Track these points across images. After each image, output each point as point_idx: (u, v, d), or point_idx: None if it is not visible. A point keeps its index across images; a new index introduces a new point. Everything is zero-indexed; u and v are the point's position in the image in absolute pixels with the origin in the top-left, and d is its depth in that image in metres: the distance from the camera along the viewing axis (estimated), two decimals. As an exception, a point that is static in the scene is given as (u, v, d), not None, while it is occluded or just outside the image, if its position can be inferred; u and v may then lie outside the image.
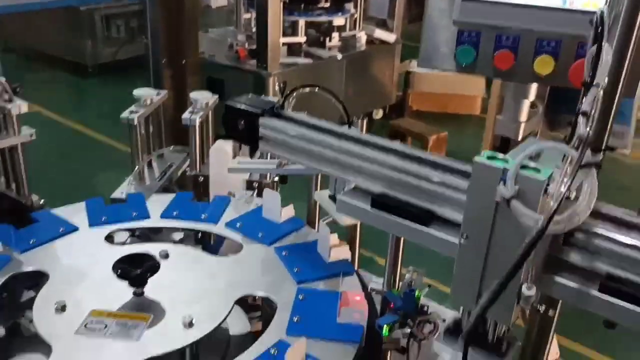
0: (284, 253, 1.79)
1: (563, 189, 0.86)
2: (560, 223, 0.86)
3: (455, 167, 1.09)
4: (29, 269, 1.70)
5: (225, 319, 1.54)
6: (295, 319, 1.52)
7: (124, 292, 1.58)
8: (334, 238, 1.77)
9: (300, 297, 1.61)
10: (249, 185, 2.31)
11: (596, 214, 0.97)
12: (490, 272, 0.94)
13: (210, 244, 2.05)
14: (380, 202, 1.14)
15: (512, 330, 1.33)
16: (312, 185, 2.14)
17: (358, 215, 1.18)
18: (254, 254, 1.80)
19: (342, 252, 1.77)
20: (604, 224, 0.95)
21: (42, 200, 2.02)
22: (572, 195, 0.90)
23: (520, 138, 1.72)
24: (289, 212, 1.96)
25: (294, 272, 1.71)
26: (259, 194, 2.23)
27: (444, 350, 1.47)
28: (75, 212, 1.94)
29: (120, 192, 2.21)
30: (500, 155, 0.90)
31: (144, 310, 1.56)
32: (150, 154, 2.47)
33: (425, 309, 1.53)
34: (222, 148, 2.25)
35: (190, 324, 1.48)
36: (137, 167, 2.28)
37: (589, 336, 3.31)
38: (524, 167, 0.87)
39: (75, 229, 1.86)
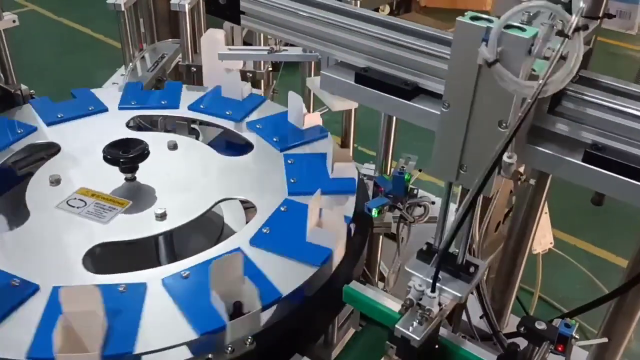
0: (289, 161, 1.70)
1: (550, 52, 0.81)
2: (549, 84, 0.81)
3: (440, 36, 1.04)
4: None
5: (202, 215, 1.50)
6: (292, 181, 1.57)
7: (119, 176, 1.58)
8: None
9: (290, 161, 1.62)
10: (243, 75, 2.25)
11: (585, 81, 0.93)
12: (472, 141, 0.91)
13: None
14: (364, 76, 1.09)
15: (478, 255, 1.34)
16: (306, 73, 2.07)
17: (342, 91, 1.14)
18: (262, 157, 1.71)
19: (314, 119, 1.77)
20: (592, 91, 0.91)
21: (32, 90, 1.98)
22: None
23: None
24: (314, 119, 1.83)
25: (274, 142, 1.72)
26: (254, 85, 2.19)
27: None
28: (26, 114, 1.86)
29: (111, 83, 2.17)
30: (485, 16, 0.85)
31: (133, 197, 1.56)
32: (142, 46, 2.40)
33: (415, 192, 1.53)
34: (214, 36, 2.17)
35: (162, 216, 1.46)
36: (127, 57, 2.23)
37: (584, 231, 3.35)
38: (508, 27, 0.82)
39: (33, 129, 1.78)
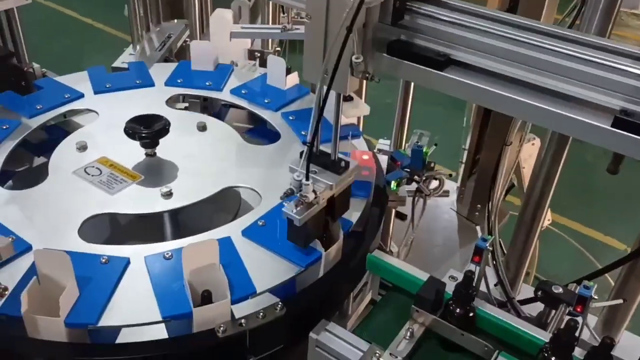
0: (290, 118, 1.80)
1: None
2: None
3: (471, 9, 1.08)
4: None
5: (206, 198, 1.50)
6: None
7: (141, 150, 1.60)
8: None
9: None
10: (251, 54, 2.27)
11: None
12: (330, 48, 1.04)
13: (215, 112, 2.05)
14: (397, 48, 1.13)
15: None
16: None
17: (373, 63, 1.17)
18: (285, 149, 1.69)
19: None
20: (429, 7, 1.05)
21: (43, 69, 1.99)
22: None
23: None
24: (293, 79, 1.94)
25: (302, 134, 1.74)
26: (262, 64, 2.21)
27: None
28: (78, 80, 1.92)
29: (120, 62, 2.18)
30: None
31: (148, 172, 1.58)
32: (148, 26, 2.40)
33: (432, 165, 1.58)
34: (223, 16, 2.18)
35: (168, 195, 1.48)
36: (136, 37, 2.23)
37: (576, 212, 3.45)
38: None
39: (80, 95, 1.86)
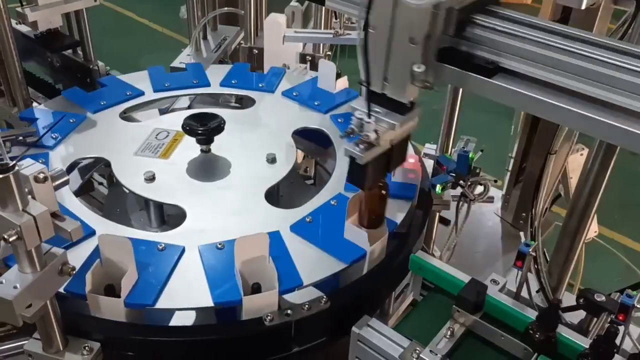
0: (339, 120, 1.86)
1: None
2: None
3: (519, 18, 1.11)
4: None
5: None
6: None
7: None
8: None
9: (333, 202, 1.61)
10: (302, 58, 2.34)
11: (488, 12, 1.07)
12: (392, 57, 1.07)
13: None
14: (448, 54, 1.17)
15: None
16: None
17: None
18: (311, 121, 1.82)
19: (343, 83, 1.85)
20: (492, 19, 1.05)
21: (108, 67, 2.10)
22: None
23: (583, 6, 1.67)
24: (343, 83, 2.00)
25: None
26: (312, 68, 2.27)
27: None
28: (139, 79, 2.03)
29: (178, 62, 2.28)
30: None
31: (210, 167, 1.68)
32: (205, 28, 2.50)
33: (478, 170, 1.61)
34: (276, 20, 2.27)
35: (273, 160, 1.61)
36: (194, 38, 2.33)
37: (625, 225, 3.38)
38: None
39: (141, 93, 1.96)
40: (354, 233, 1.39)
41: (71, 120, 1.78)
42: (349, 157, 1.17)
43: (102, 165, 1.78)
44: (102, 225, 1.42)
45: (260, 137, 1.79)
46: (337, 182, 1.61)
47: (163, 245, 1.37)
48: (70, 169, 1.66)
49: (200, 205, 1.53)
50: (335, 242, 1.40)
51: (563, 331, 1.22)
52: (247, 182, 1.61)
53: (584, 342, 1.19)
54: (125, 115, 1.92)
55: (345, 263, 1.36)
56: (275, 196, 1.71)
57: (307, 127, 1.84)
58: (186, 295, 1.27)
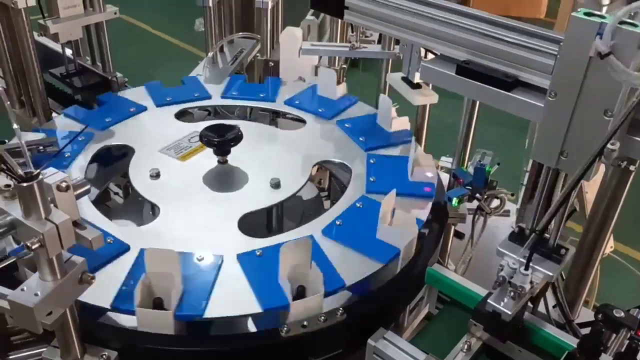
0: (346, 125, 1.88)
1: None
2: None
3: (540, 33, 1.11)
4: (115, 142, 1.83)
5: (305, 183, 1.65)
6: (371, 179, 1.64)
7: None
8: (394, 111, 1.83)
9: (372, 161, 1.71)
10: (318, 71, 2.35)
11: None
12: (575, 129, 0.98)
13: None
14: (465, 68, 1.18)
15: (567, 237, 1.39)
16: (382, 69, 2.17)
17: (442, 81, 1.22)
18: (345, 155, 1.79)
19: (402, 123, 1.84)
20: None
21: (126, 79, 2.12)
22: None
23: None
24: (342, 89, 2.04)
25: (360, 141, 1.80)
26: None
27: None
28: (137, 95, 2.04)
29: (196, 74, 2.30)
30: (597, 13, 0.92)
31: (226, 177, 1.68)
32: (221, 40, 2.52)
33: (494, 184, 1.60)
34: (293, 34, 2.28)
35: (277, 185, 1.60)
36: (211, 50, 2.35)
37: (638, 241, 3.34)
38: (621, 23, 0.89)
39: (144, 108, 1.97)
40: (389, 233, 1.40)
41: (80, 139, 1.78)
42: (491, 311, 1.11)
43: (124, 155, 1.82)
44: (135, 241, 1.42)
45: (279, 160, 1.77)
46: (358, 185, 1.64)
47: (201, 255, 1.38)
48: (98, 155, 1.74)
49: (176, 210, 1.54)
50: (368, 242, 1.42)
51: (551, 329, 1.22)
52: (240, 199, 1.60)
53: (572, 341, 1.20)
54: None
55: (381, 262, 1.38)
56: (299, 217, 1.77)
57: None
58: (232, 303, 1.27)
